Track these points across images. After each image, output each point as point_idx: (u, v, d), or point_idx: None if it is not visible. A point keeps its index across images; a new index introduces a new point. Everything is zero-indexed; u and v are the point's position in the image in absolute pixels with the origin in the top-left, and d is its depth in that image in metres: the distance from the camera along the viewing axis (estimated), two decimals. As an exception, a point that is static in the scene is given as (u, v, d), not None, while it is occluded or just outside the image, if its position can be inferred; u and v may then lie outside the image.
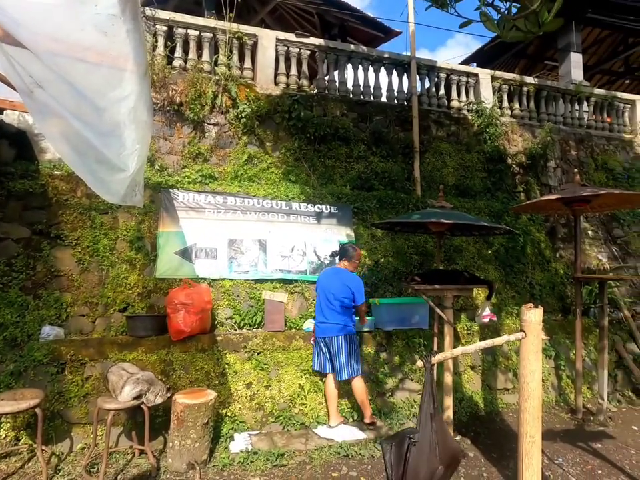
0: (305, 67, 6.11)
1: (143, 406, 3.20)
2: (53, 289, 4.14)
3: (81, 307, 4.18)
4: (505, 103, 7.07)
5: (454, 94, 6.90)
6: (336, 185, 5.73)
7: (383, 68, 6.56)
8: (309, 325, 4.50)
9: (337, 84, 6.26)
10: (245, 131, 5.50)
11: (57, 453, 3.37)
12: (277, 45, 5.96)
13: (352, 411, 4.16)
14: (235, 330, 4.44)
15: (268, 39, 5.95)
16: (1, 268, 4.04)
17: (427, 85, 6.96)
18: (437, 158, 6.47)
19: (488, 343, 2.37)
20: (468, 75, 6.97)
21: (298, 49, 6.09)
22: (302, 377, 4.15)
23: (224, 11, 5.63)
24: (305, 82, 6.08)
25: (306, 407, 4.07)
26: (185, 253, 4.65)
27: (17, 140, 4.71)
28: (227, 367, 4.03)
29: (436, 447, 2.07)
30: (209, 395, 3.44)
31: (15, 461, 3.30)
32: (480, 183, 6.53)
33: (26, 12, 1.59)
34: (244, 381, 4.02)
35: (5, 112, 4.86)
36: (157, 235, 4.60)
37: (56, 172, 4.51)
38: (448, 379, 3.73)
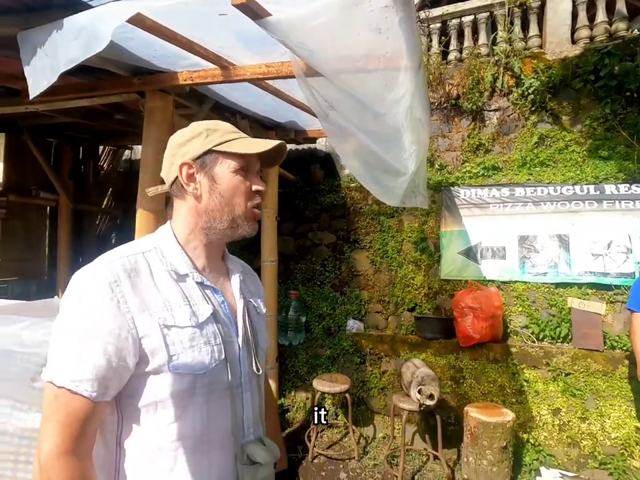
0: (620, 6, 4.68)
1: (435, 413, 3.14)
2: (354, 287, 4.73)
3: (376, 304, 4.59)
4: None
5: None
6: (678, 154, 4.07)
7: None
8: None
9: (672, 12, 4.49)
10: (533, 109, 4.69)
11: (365, 436, 3.78)
12: (573, -6, 4.83)
13: None
14: (533, 342, 3.80)
15: (559, -9, 4.89)
16: (318, 268, 4.95)
17: None
18: None
19: None
20: None
21: (606, -13, 4.73)
22: (639, 417, 3.09)
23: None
24: (620, 25, 4.63)
25: (648, 459, 3.01)
26: (470, 253, 4.37)
27: (325, 162, 5.67)
28: (525, 384, 3.48)
29: None
30: (506, 414, 3.03)
31: (336, 432, 3.90)
32: None
33: (315, 39, 1.72)
34: (549, 405, 3.36)
35: (317, 141, 5.99)
36: (439, 235, 4.53)
37: (352, 184, 5.15)
38: None
